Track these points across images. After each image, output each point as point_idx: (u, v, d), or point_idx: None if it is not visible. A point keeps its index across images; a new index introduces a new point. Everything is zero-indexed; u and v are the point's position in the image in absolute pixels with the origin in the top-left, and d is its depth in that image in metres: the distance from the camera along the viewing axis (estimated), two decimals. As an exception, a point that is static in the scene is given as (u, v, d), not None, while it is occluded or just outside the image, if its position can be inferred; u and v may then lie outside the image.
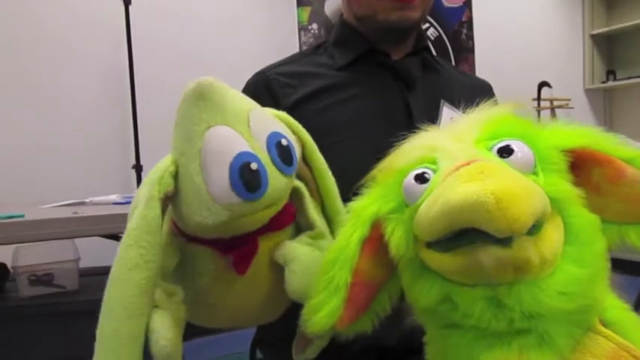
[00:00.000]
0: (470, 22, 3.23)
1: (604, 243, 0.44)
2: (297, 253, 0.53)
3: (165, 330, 0.47)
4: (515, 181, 0.37)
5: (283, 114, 0.56)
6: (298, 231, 0.57)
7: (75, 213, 1.16)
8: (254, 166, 0.46)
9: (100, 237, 1.25)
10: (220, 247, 0.52)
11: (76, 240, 1.56)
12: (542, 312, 0.40)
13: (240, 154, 0.46)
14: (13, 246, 1.51)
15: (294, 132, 0.55)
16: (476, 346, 0.43)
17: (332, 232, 0.58)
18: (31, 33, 2.35)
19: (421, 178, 0.44)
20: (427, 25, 3.12)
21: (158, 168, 0.49)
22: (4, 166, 2.26)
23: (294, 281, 0.51)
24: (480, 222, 0.35)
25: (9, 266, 1.55)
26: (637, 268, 2.86)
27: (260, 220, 0.50)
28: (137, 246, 0.46)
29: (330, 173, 0.60)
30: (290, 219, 0.56)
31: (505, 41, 3.61)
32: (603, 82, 4.03)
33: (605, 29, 3.95)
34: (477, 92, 0.94)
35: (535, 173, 0.43)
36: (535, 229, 0.39)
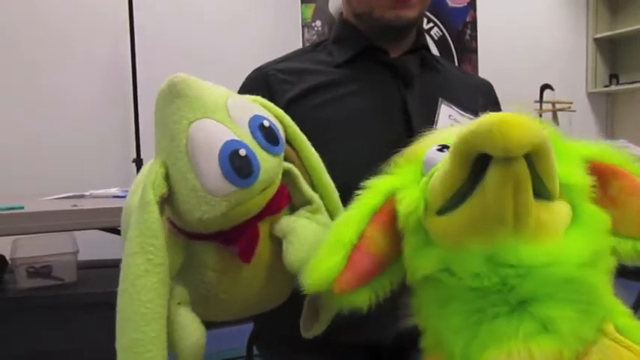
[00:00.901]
0: (474, 23, 3.22)
1: (610, 241, 0.45)
2: (295, 225, 0.53)
3: (195, 323, 0.49)
4: (522, 115, 0.38)
5: (259, 98, 0.56)
6: (293, 212, 0.58)
7: (74, 206, 1.16)
8: (242, 152, 0.46)
9: (99, 230, 1.25)
10: (222, 239, 0.52)
11: (75, 233, 1.56)
12: (537, 274, 0.40)
13: (227, 143, 0.46)
14: (12, 237, 1.51)
15: (273, 114, 0.55)
16: (478, 333, 0.42)
17: (325, 206, 0.59)
18: (33, 25, 2.35)
19: (442, 148, 0.46)
20: (431, 24, 3.11)
21: (147, 173, 0.48)
22: (4, 159, 2.26)
23: (292, 252, 0.51)
24: (482, 143, 0.37)
25: (7, 258, 1.55)
26: (636, 273, 2.86)
27: (258, 205, 0.51)
28: (143, 252, 0.45)
29: (313, 150, 0.60)
30: (286, 201, 0.56)
31: (508, 43, 3.61)
32: (606, 86, 4.03)
33: (609, 33, 3.95)
34: (478, 92, 0.94)
35: None
36: (541, 196, 0.40)
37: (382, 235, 0.49)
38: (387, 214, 0.49)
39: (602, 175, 0.47)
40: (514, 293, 0.41)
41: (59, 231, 1.17)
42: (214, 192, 0.45)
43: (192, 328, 0.49)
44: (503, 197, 0.39)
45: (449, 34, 3.18)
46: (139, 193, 0.48)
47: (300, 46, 2.62)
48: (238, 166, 0.46)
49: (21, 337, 1.37)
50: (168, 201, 0.49)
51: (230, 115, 0.48)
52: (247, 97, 0.55)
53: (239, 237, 0.52)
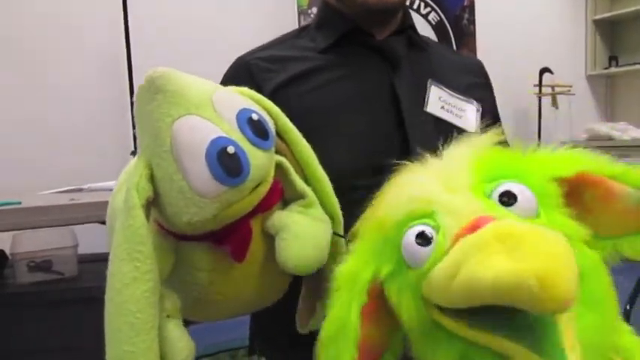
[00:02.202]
0: (472, 7, 3.20)
1: (607, 276, 0.44)
2: (288, 221, 0.51)
3: (185, 339, 0.47)
4: (550, 254, 0.34)
5: (246, 89, 0.54)
6: (285, 206, 0.56)
7: (72, 200, 1.15)
8: (231, 149, 0.44)
9: (98, 223, 1.24)
10: (214, 239, 0.50)
11: (75, 227, 1.55)
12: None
13: (214, 141, 0.43)
14: (12, 232, 1.50)
15: (262, 106, 0.53)
16: None
17: (319, 200, 0.56)
18: (28, 18, 2.32)
19: (422, 237, 0.42)
20: (428, 9, 3.08)
21: (131, 173, 0.46)
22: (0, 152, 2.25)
23: (285, 250, 0.49)
24: (521, 303, 0.33)
25: (7, 252, 1.55)
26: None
27: (251, 203, 0.49)
28: (130, 259, 0.43)
29: (305, 142, 0.57)
30: (278, 196, 0.54)
31: (507, 26, 3.57)
32: (605, 68, 4.00)
33: (608, 14, 3.91)
34: (466, 71, 0.92)
35: (538, 216, 0.43)
36: None
37: (375, 327, 0.47)
38: (374, 305, 0.46)
39: (574, 187, 0.46)
40: None
41: (58, 225, 1.17)
42: (203, 194, 0.43)
43: (181, 345, 0.46)
44: None
45: (446, 18, 3.16)
46: (123, 195, 0.46)
47: (296, 33, 2.59)
48: (227, 164, 0.43)
49: (22, 331, 1.37)
50: (154, 203, 0.46)
51: (216, 110, 0.46)
52: (234, 89, 0.52)
53: (231, 236, 0.49)
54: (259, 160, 0.46)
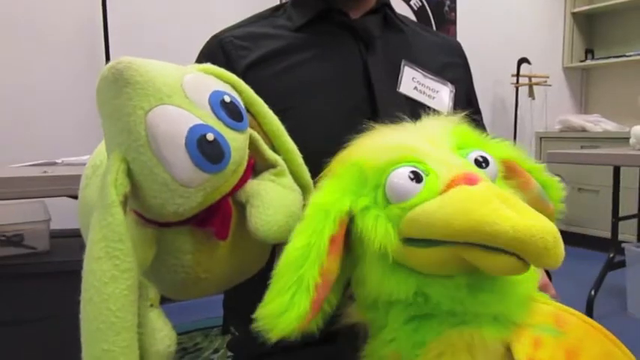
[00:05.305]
0: (453, -6, 3.20)
1: None
2: (259, 188, 0.51)
3: (167, 328, 0.47)
4: (544, 218, 0.39)
5: (211, 67, 0.52)
6: (256, 176, 0.56)
7: (45, 172, 1.13)
8: (210, 136, 0.43)
9: (70, 197, 1.22)
10: (197, 222, 0.49)
11: (47, 201, 1.53)
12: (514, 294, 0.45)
13: (192, 129, 0.42)
14: (-19, 205, 1.48)
15: (226, 80, 0.52)
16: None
17: (290, 169, 0.57)
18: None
19: (415, 175, 0.44)
20: (411, -5, 3.08)
21: (106, 169, 0.44)
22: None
23: (256, 216, 0.49)
24: (532, 254, 0.37)
25: (-23, 226, 1.52)
26: (601, 244, 2.96)
27: (232, 183, 0.48)
28: (109, 257, 0.42)
29: (272, 113, 0.57)
30: (251, 170, 0.54)
31: (487, 15, 3.60)
32: (581, 61, 4.07)
33: (586, 8, 3.97)
34: (442, 51, 0.92)
35: (496, 182, 0.48)
36: None
37: (337, 262, 0.47)
38: (341, 239, 0.47)
39: (508, 172, 0.52)
40: (493, 310, 0.45)
41: (29, 197, 1.15)
42: (187, 183, 0.43)
43: (163, 334, 0.46)
44: None
45: (428, 4, 3.16)
46: (93, 186, 0.44)
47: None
48: (208, 152, 0.43)
49: (-7, 305, 1.35)
50: (133, 195, 0.45)
51: (188, 97, 0.44)
52: (199, 68, 0.51)
53: (213, 216, 0.49)
54: (238, 143, 0.46)
